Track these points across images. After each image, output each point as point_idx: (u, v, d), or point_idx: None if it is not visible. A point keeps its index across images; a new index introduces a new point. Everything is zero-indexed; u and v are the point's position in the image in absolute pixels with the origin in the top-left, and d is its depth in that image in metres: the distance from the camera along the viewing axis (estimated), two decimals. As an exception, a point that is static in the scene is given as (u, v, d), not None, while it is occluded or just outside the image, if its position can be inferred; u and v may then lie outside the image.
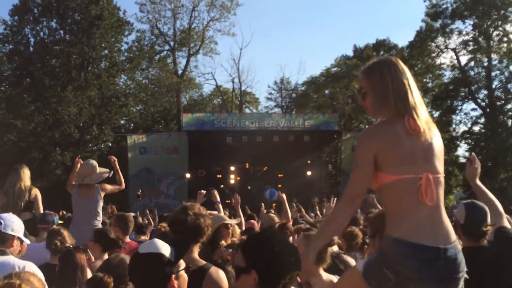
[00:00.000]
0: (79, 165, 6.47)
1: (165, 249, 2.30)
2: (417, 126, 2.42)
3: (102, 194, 6.46)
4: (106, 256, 4.37)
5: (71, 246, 4.19)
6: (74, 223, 6.10)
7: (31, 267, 3.25)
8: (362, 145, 2.51)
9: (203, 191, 6.31)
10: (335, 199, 10.15)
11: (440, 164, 2.48)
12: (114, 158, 6.85)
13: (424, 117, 2.48)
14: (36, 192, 6.26)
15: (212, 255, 4.18)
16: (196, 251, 3.14)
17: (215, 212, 5.09)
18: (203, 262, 3.11)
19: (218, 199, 6.07)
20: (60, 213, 10.27)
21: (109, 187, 6.55)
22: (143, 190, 21.78)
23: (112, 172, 6.64)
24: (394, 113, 2.49)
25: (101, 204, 6.42)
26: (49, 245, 4.28)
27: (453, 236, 2.41)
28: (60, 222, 6.02)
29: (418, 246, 2.32)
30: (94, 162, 6.51)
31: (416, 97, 2.49)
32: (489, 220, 3.33)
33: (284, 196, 6.74)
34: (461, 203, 3.58)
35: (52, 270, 3.65)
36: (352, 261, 4.45)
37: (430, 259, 2.31)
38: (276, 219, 6.34)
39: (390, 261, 2.37)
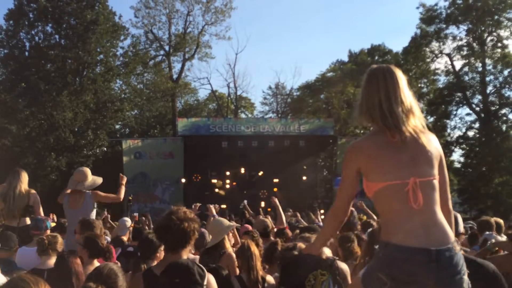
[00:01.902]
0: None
1: None
2: (398, 136, 2.47)
3: (94, 201, 6.44)
4: (95, 262, 4.35)
5: (65, 252, 4.19)
6: (70, 231, 6.07)
7: None
8: (345, 161, 2.69)
9: (198, 204, 6.32)
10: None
11: (430, 168, 2.51)
12: (124, 176, 6.90)
13: (409, 125, 2.51)
14: (35, 196, 6.22)
15: (219, 260, 4.23)
16: (185, 256, 3.13)
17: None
18: None
19: (214, 213, 6.06)
20: (51, 216, 10.19)
21: (102, 194, 6.53)
22: (138, 195, 21.72)
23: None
24: (373, 123, 2.59)
25: (93, 211, 6.40)
26: (39, 246, 4.29)
27: (450, 238, 2.42)
28: (52, 224, 5.97)
29: (409, 249, 2.34)
30: (87, 169, 6.52)
31: (398, 106, 2.52)
32: (461, 229, 3.33)
33: (276, 200, 6.73)
34: None
35: (41, 275, 3.63)
36: (346, 268, 4.45)
37: (421, 261, 2.32)
38: (269, 222, 6.34)
39: (383, 265, 2.40)
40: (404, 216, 2.40)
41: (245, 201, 12.27)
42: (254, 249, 3.99)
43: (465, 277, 2.41)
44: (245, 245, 4.05)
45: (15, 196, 5.99)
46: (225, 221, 4.78)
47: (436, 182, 2.51)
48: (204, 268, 2.58)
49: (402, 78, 2.61)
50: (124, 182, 6.77)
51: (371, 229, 5.43)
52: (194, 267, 2.48)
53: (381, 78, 2.58)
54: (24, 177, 6.21)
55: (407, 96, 2.58)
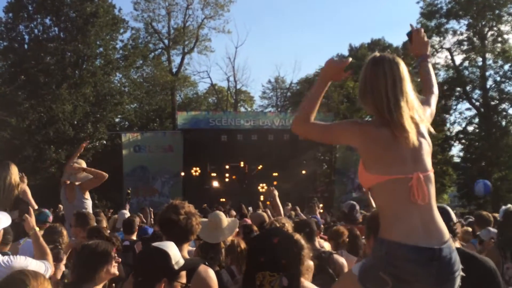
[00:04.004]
0: (82, 149, 6.63)
1: (175, 255, 2.42)
2: (402, 131, 2.42)
3: (85, 193, 6.48)
4: None
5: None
6: (68, 223, 6.11)
7: (20, 261, 3.22)
8: (347, 124, 2.62)
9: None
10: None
11: (429, 161, 2.48)
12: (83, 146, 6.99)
13: (411, 118, 2.47)
14: (23, 186, 6.18)
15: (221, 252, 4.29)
16: (186, 250, 3.14)
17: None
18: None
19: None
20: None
21: (86, 183, 6.57)
22: (138, 189, 21.74)
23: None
24: (375, 110, 2.52)
25: (87, 202, 6.45)
26: (48, 241, 4.30)
27: (446, 235, 2.40)
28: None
29: (413, 248, 2.30)
30: (82, 161, 6.60)
31: (403, 99, 2.47)
32: (454, 218, 3.31)
33: (276, 192, 6.69)
34: None
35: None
36: (343, 261, 4.44)
37: (425, 260, 2.30)
38: (266, 217, 6.31)
39: (386, 265, 2.35)
40: (405, 212, 2.36)
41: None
42: (244, 246, 4.00)
43: (461, 272, 2.41)
44: (235, 243, 4.06)
45: (5, 188, 5.93)
46: (224, 221, 4.67)
47: (433, 175, 2.48)
48: (165, 249, 2.52)
49: (406, 69, 2.56)
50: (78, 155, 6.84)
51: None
52: (154, 254, 2.43)
53: (388, 65, 2.52)
54: (14, 169, 6.13)
55: (410, 88, 2.53)
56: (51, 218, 6.48)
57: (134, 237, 6.51)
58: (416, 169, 2.40)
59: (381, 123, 2.48)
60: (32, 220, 3.83)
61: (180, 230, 3.05)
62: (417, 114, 2.53)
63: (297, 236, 2.51)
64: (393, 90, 2.48)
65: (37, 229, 3.77)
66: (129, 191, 18.16)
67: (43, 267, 3.33)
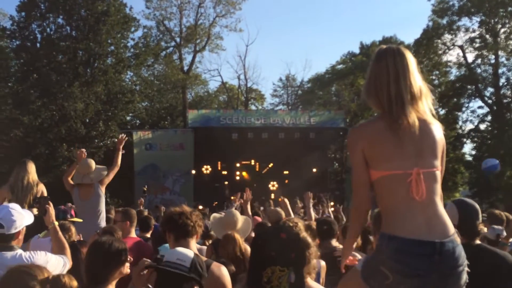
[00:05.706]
0: (83, 156, 6.62)
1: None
2: (403, 124, 2.39)
3: (103, 188, 6.56)
4: None
5: (76, 241, 4.25)
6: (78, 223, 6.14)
7: (40, 257, 3.28)
8: (350, 145, 2.56)
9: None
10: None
11: (434, 159, 2.44)
12: (124, 137, 6.98)
13: (415, 112, 2.44)
14: (42, 188, 6.23)
15: None
16: (195, 248, 3.15)
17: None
18: (204, 258, 3.13)
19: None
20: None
21: (105, 178, 6.66)
22: (149, 186, 21.81)
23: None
24: (379, 106, 2.50)
25: (103, 199, 6.52)
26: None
27: (451, 230, 2.38)
28: (78, 220, 5.90)
29: (413, 242, 2.29)
30: (91, 161, 6.61)
31: (407, 91, 2.44)
32: (480, 217, 3.31)
33: (286, 200, 6.61)
34: (450, 202, 3.48)
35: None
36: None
37: (425, 254, 2.29)
38: (283, 214, 6.29)
39: (386, 259, 2.34)
40: (407, 207, 2.35)
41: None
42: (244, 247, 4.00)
43: (466, 269, 2.39)
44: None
45: (23, 187, 5.96)
46: (239, 220, 4.66)
47: (438, 173, 2.45)
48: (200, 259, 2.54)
49: (412, 60, 2.52)
50: (121, 146, 6.85)
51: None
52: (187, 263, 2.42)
53: (391, 59, 2.48)
54: (31, 167, 6.15)
55: (417, 79, 2.49)
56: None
57: (148, 234, 6.57)
58: (418, 165, 2.37)
59: (382, 117, 2.47)
60: (52, 214, 3.87)
61: (177, 227, 3.10)
62: (426, 107, 2.50)
63: (304, 234, 2.52)
64: (395, 84, 2.44)
65: (56, 223, 3.81)
66: (145, 189, 18.25)
67: (61, 261, 3.37)
